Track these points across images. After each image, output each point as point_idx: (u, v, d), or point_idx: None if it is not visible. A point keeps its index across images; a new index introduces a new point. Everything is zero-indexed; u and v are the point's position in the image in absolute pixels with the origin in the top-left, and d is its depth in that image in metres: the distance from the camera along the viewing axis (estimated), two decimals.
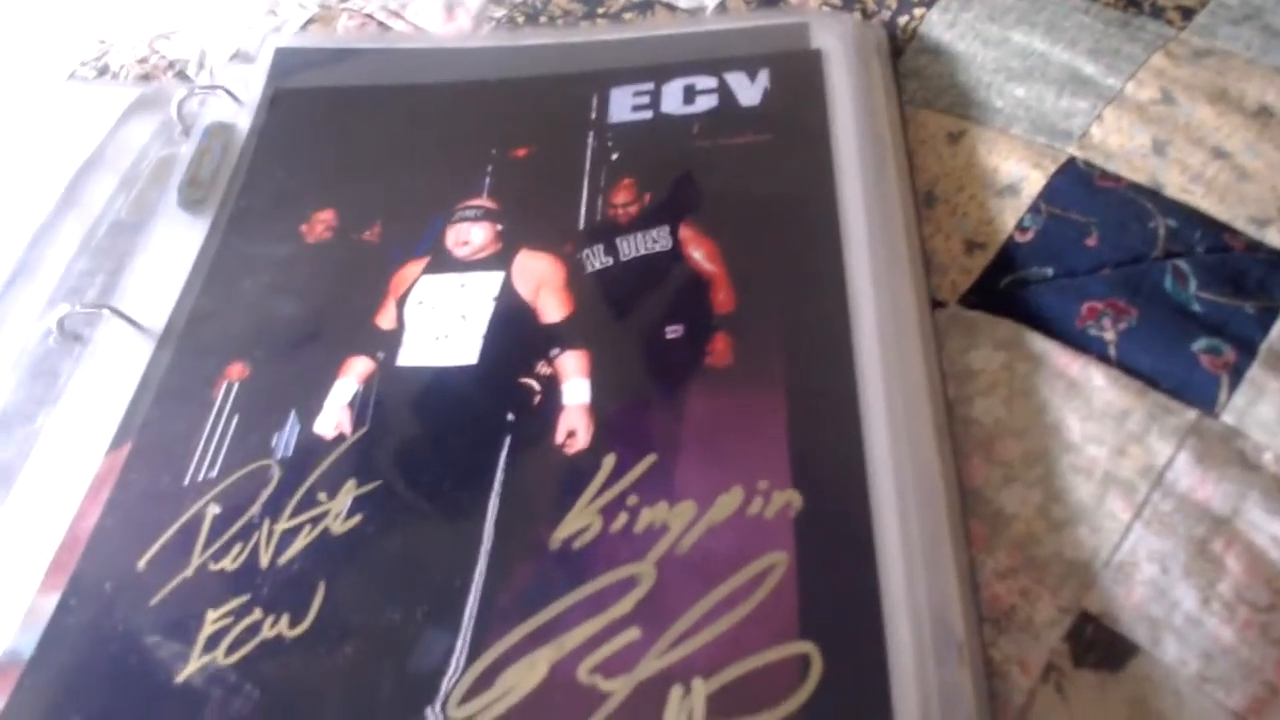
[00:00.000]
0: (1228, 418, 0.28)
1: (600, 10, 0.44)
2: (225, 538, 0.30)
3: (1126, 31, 0.36)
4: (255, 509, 0.30)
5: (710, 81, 0.38)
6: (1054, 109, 0.35)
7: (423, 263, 0.35)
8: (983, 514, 0.28)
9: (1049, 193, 0.33)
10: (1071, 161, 0.33)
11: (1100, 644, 0.25)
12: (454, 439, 0.31)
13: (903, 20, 0.39)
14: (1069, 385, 0.29)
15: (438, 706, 0.25)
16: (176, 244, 0.37)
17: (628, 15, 0.44)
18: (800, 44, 0.38)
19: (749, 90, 0.37)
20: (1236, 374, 0.28)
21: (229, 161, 0.40)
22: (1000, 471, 0.28)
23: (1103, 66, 0.35)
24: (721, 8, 0.43)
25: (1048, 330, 0.30)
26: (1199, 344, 0.29)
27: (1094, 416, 0.28)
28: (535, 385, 0.31)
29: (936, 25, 0.39)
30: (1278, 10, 0.35)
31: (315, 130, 0.41)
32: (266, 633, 0.28)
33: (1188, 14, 0.36)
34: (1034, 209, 0.33)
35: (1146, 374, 0.29)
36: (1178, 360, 0.29)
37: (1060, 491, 0.27)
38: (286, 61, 0.44)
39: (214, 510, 0.30)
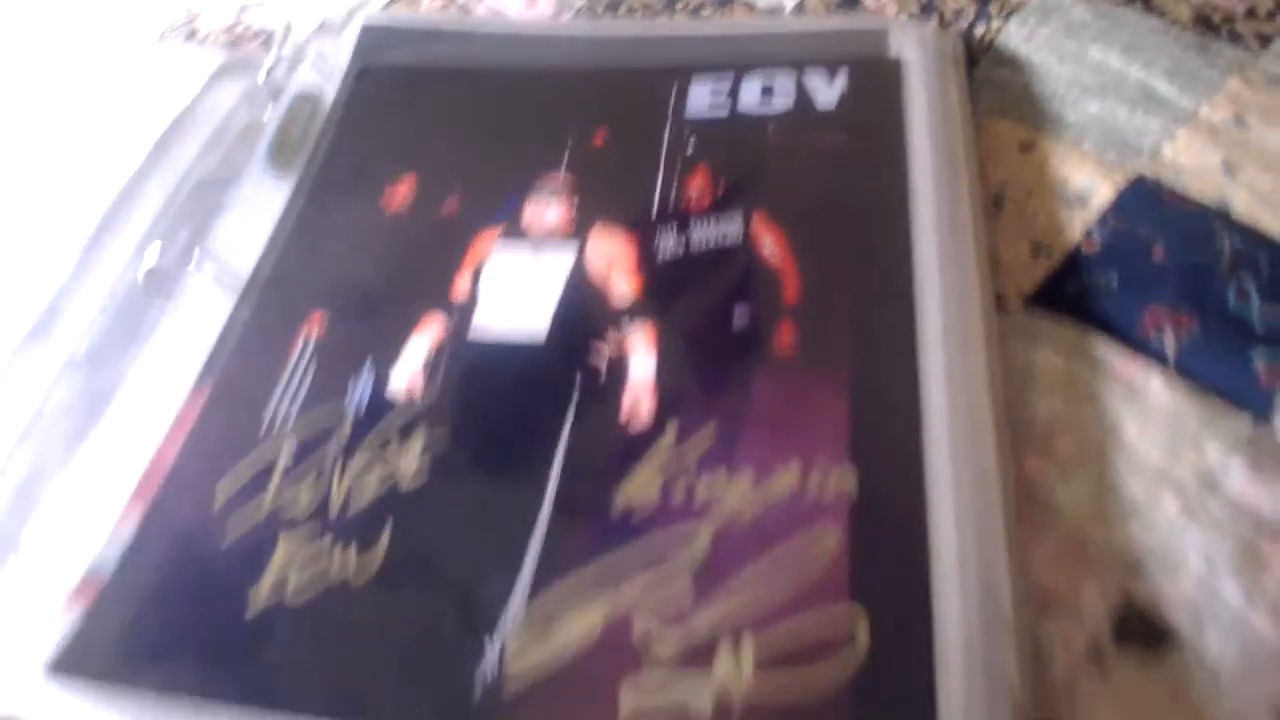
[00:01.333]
0: None
1: (679, 5, 0.45)
2: (298, 479, 0.31)
3: (1204, 55, 0.36)
4: (328, 454, 0.31)
5: (788, 82, 0.39)
6: (1127, 125, 0.36)
7: (498, 234, 0.36)
8: (1035, 505, 0.28)
9: (1117, 205, 0.34)
10: (1141, 177, 0.34)
11: (1144, 631, 0.26)
12: (521, 404, 0.32)
13: (979, 31, 0.40)
14: (1128, 389, 0.30)
15: (496, 651, 0.26)
16: (262, 203, 0.39)
17: (706, 11, 0.45)
18: (878, 49, 0.39)
19: (826, 93, 0.38)
20: None
21: (314, 129, 0.41)
22: (1055, 467, 0.29)
23: (1178, 87, 0.36)
24: (800, 8, 0.44)
25: (1110, 336, 0.31)
26: (1258, 357, 0.29)
27: (1151, 419, 0.29)
28: (603, 358, 0.32)
29: (1014, 37, 0.39)
30: None
31: (398, 105, 0.43)
32: (334, 571, 0.29)
33: (1266, 40, 0.36)
34: (1101, 220, 0.34)
35: (1205, 383, 0.29)
36: (1236, 371, 0.29)
37: (1113, 487, 0.28)
38: (372, 37, 0.45)
39: (288, 452, 0.32)
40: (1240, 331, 0.30)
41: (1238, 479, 0.28)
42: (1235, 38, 0.37)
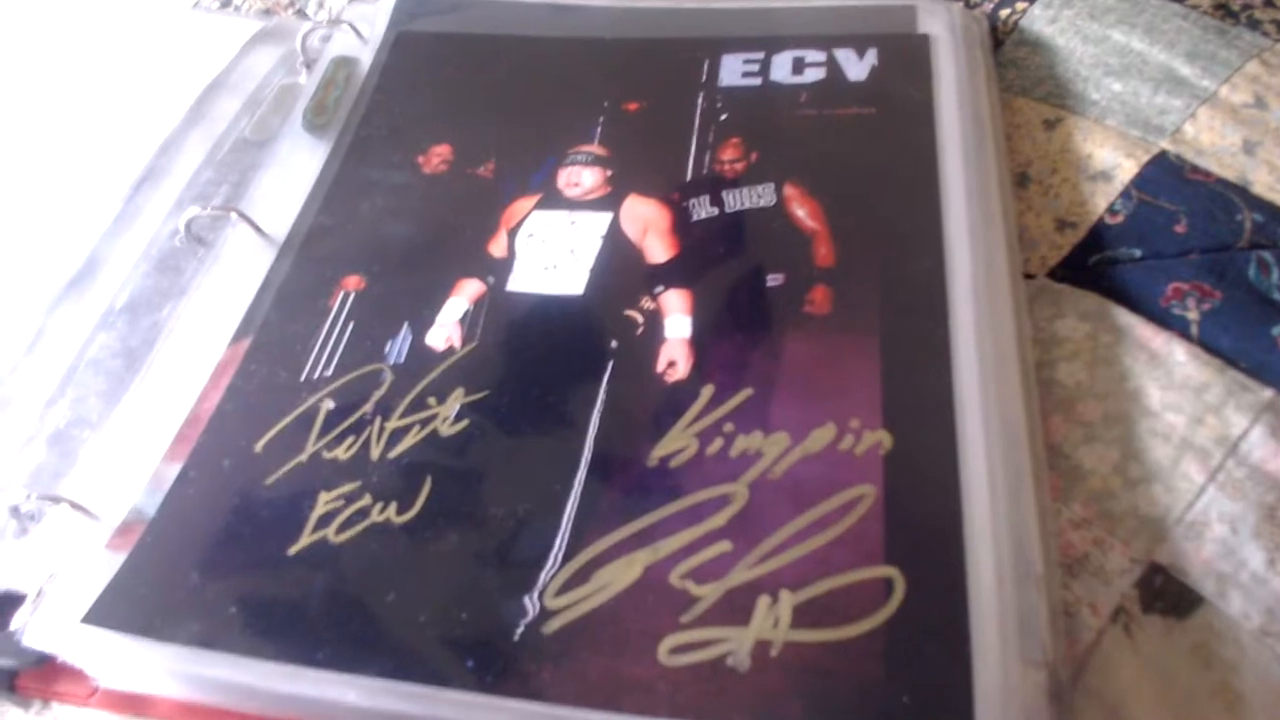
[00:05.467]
0: None
1: None
2: (338, 430, 0.32)
3: (1224, 38, 0.37)
4: (368, 407, 0.32)
5: (819, 55, 0.40)
6: (1149, 104, 0.36)
7: (534, 198, 0.37)
8: (1061, 468, 0.29)
9: (1140, 180, 0.34)
10: (1163, 154, 0.35)
11: (1169, 593, 0.27)
12: (559, 360, 0.32)
13: (1004, 13, 0.41)
14: (1151, 357, 0.30)
15: (535, 595, 0.27)
16: (299, 163, 0.39)
17: None
18: (907, 27, 0.40)
19: (857, 66, 0.39)
20: None
21: (351, 93, 0.42)
22: (1080, 430, 0.30)
23: (1199, 69, 0.37)
24: None
25: (1133, 306, 0.32)
26: (1279, 330, 0.30)
27: (1174, 387, 0.30)
28: (639, 317, 0.33)
29: (1038, 19, 0.40)
30: None
31: (435, 71, 0.43)
32: (375, 517, 0.29)
33: None
34: (1125, 194, 0.34)
35: (1226, 353, 0.30)
36: (1258, 342, 0.30)
37: (1138, 452, 0.29)
38: (408, 4, 0.46)
39: (328, 405, 0.32)
40: (1262, 304, 0.31)
41: (1259, 446, 0.28)
42: (1254, 24, 0.38)
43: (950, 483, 0.27)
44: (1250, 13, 0.38)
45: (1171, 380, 0.30)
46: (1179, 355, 0.30)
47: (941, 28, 0.39)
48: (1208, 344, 0.30)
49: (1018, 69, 0.39)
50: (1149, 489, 0.28)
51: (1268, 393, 0.29)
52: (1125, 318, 0.31)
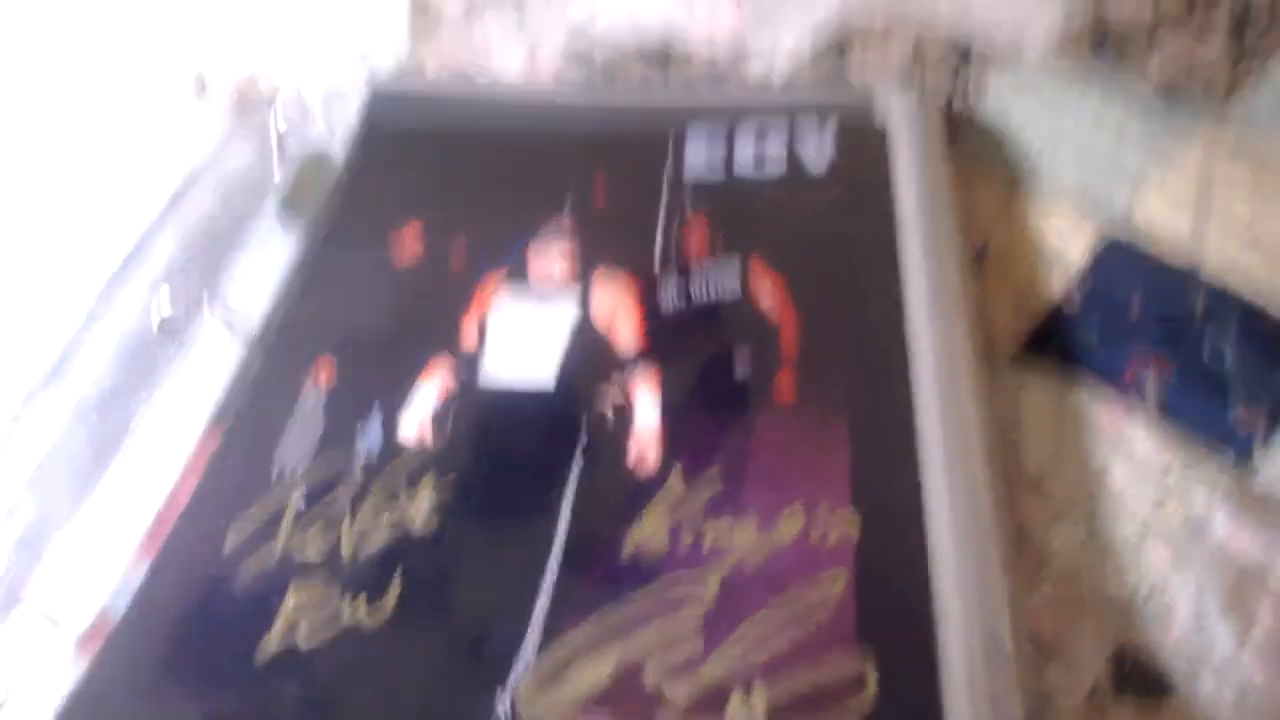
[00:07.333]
0: (1262, 475, 0.29)
1: (673, 74, 0.48)
2: (308, 525, 0.31)
3: (1171, 123, 0.39)
4: (338, 500, 0.32)
5: (780, 145, 0.41)
6: (1101, 186, 0.38)
7: (503, 288, 0.37)
8: (1029, 548, 0.29)
9: (1095, 260, 0.36)
10: (1116, 235, 0.36)
11: (1140, 676, 0.27)
12: (529, 453, 0.33)
13: (959, 93, 0.43)
14: (1113, 435, 0.31)
15: (508, 694, 0.27)
16: (272, 253, 0.40)
17: (698, 80, 0.47)
18: (865, 116, 0.41)
19: (817, 155, 0.40)
20: (1269, 434, 0.30)
21: (324, 184, 0.43)
22: (1048, 510, 0.30)
23: (1147, 152, 0.38)
24: (789, 75, 0.46)
25: (1093, 384, 0.32)
26: (1235, 403, 0.31)
27: (1136, 464, 0.30)
28: (608, 407, 0.33)
29: (992, 100, 0.42)
30: None
31: (406, 164, 0.44)
32: (345, 617, 0.29)
33: (1228, 106, 0.39)
34: (1080, 274, 0.35)
35: (1186, 427, 0.31)
36: (1215, 417, 0.31)
37: (1104, 533, 0.29)
38: (379, 101, 0.47)
39: (298, 499, 0.32)
40: (1216, 379, 0.32)
41: (1222, 525, 0.29)
42: (1200, 108, 0.39)
43: (920, 567, 0.28)
44: (1196, 98, 0.40)
45: (1134, 458, 0.30)
46: (1140, 433, 0.31)
47: (898, 111, 0.41)
48: (1168, 418, 0.31)
49: (974, 150, 0.41)
50: (1116, 569, 0.29)
51: (1228, 468, 0.30)
52: (1086, 396, 0.32)
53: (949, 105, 0.43)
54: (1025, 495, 0.30)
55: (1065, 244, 0.36)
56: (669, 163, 0.41)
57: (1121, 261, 0.35)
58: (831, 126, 0.41)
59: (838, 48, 0.48)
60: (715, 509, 0.30)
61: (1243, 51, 0.42)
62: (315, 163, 0.43)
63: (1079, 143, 0.39)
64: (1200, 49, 0.42)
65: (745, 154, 0.41)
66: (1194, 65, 0.42)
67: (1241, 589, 0.27)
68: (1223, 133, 0.38)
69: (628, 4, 0.55)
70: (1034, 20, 0.46)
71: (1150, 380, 0.32)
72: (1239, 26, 0.43)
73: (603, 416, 0.33)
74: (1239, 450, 0.30)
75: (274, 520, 0.32)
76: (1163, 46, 0.43)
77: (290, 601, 0.29)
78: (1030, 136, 0.40)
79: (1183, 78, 0.42)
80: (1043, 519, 0.30)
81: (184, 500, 0.32)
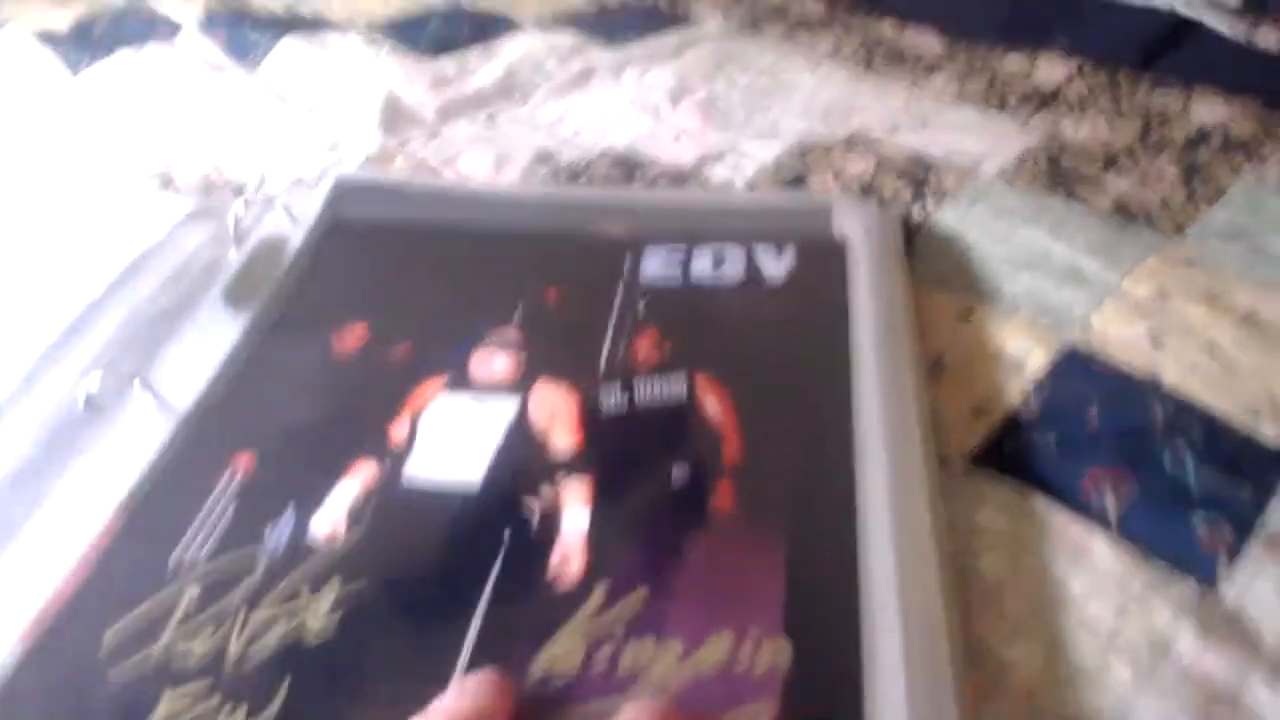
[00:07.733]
0: (1228, 594, 0.28)
1: (636, 178, 0.48)
2: (199, 620, 0.29)
3: (1124, 235, 0.39)
4: (235, 596, 0.29)
5: (739, 255, 0.41)
6: (1057, 297, 0.37)
7: (442, 381, 0.36)
8: (986, 665, 0.27)
9: (1052, 371, 0.35)
10: (1073, 344, 0.35)
11: None
12: (446, 554, 0.30)
13: (917, 209, 0.43)
14: (1072, 548, 0.29)
15: None
16: (214, 337, 0.39)
17: (661, 185, 0.47)
18: (824, 226, 0.41)
19: (775, 265, 0.40)
20: (1234, 552, 0.29)
21: (276, 272, 0.42)
22: (1005, 625, 0.28)
23: (1101, 263, 0.38)
24: (751, 186, 0.46)
25: (1052, 495, 0.31)
26: (1197, 519, 0.30)
27: (1097, 579, 0.28)
28: (535, 509, 0.31)
29: (948, 217, 0.42)
30: (1262, 232, 0.38)
31: (361, 256, 0.44)
32: None
33: (1180, 228, 0.39)
34: (1038, 385, 0.34)
35: (1148, 544, 0.29)
36: (1178, 534, 0.29)
37: (1064, 649, 0.27)
38: (344, 191, 0.47)
39: (193, 592, 0.30)
40: (1179, 494, 0.30)
41: (1187, 645, 0.27)
42: (1152, 222, 0.40)
43: (853, 699, 0.25)
44: (1148, 214, 0.41)
45: (1094, 572, 0.29)
46: (1100, 546, 0.29)
47: (857, 226, 0.41)
48: (1128, 534, 0.30)
49: (931, 262, 0.41)
50: (1077, 689, 0.26)
51: (1192, 586, 0.28)
52: (1043, 506, 0.31)
53: (907, 218, 0.43)
54: (982, 609, 0.29)
55: (1023, 354, 0.36)
56: (625, 268, 0.41)
57: (1079, 368, 0.35)
58: (791, 234, 0.41)
59: (801, 161, 0.48)
60: (637, 630, 0.28)
61: (1194, 178, 0.43)
62: (271, 250, 0.43)
63: (1035, 254, 0.39)
64: (1154, 176, 0.43)
65: (703, 261, 0.41)
66: (1147, 192, 0.43)
67: (1207, 713, 0.25)
68: (1176, 245, 0.38)
69: (598, 119, 0.56)
70: (992, 150, 0.47)
71: (1109, 495, 0.31)
72: (1192, 154, 0.44)
73: (528, 517, 0.31)
74: (1203, 571, 0.29)
75: (160, 620, 0.29)
76: (1118, 173, 0.44)
77: (161, 712, 0.27)
78: (987, 250, 0.40)
79: (1137, 204, 0.42)
80: (1001, 634, 0.28)
81: (71, 591, 0.30)
